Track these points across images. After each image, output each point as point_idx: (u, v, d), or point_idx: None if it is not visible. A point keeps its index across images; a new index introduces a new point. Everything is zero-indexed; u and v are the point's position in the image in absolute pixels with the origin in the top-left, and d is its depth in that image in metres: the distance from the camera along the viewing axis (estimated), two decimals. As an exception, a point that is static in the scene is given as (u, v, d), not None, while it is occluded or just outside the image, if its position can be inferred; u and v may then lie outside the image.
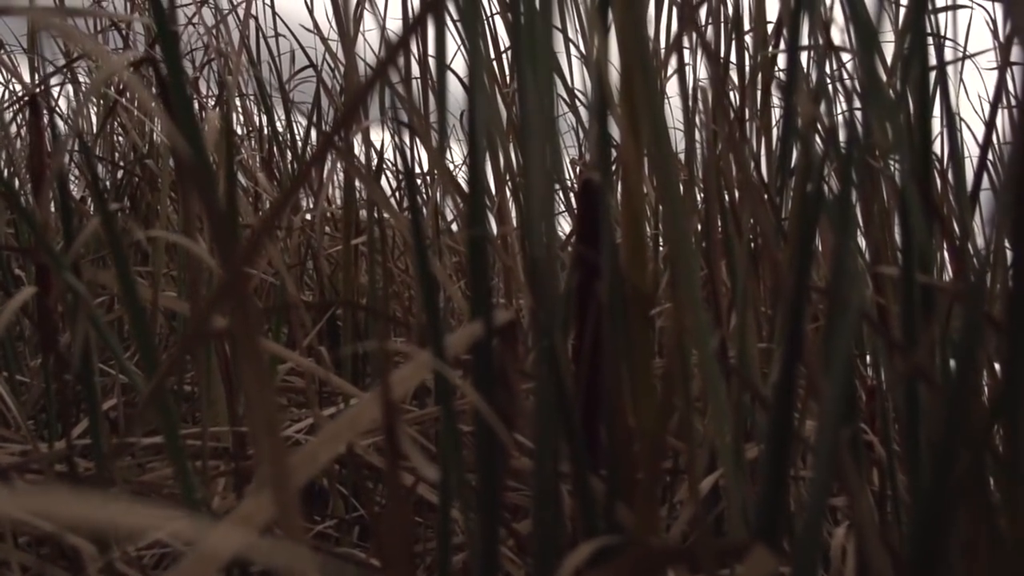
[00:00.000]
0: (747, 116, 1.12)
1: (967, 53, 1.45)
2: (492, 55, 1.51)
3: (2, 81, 2.15)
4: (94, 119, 2.02)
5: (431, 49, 1.35)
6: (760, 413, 0.83)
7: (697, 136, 1.13)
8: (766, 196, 0.96)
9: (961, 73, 1.74)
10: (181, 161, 0.46)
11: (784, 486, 0.50)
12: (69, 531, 0.59)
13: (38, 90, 1.03)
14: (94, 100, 2.02)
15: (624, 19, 0.46)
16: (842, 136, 0.52)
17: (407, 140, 1.17)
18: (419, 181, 1.70)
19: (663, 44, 1.14)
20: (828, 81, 0.84)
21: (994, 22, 1.54)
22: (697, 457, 0.81)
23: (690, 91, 1.01)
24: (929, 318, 0.51)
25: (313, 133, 1.77)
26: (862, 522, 0.44)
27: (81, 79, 2.03)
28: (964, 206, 0.59)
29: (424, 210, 1.28)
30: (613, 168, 0.62)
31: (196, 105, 2.09)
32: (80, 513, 0.24)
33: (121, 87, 1.87)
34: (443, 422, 0.44)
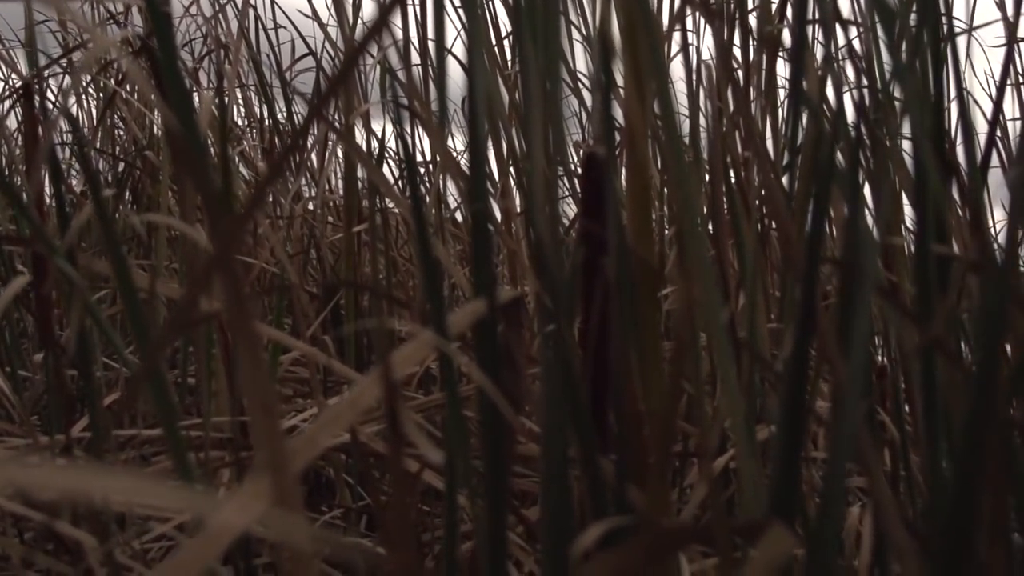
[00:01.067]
0: (752, 95, 1.11)
1: (972, 26, 1.44)
2: (494, 40, 1.50)
3: (1, 76, 2.14)
4: (93, 111, 2.01)
5: (431, 33, 1.33)
6: (772, 393, 0.81)
7: (701, 118, 1.12)
8: (774, 174, 0.95)
9: (968, 50, 1.72)
10: (175, 142, 0.45)
11: (798, 466, 0.49)
12: (67, 506, 0.58)
13: (36, 81, 1.02)
14: (92, 92, 2.01)
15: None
16: (850, 110, 0.51)
17: (407, 124, 1.16)
18: (422, 168, 1.69)
19: (665, 19, 1.12)
20: (835, 55, 0.82)
21: (1001, -3, 1.52)
22: (708, 438, 0.79)
23: (694, 68, 1.00)
24: (945, 290, 0.49)
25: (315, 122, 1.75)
26: (881, 501, 0.42)
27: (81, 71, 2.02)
28: (976, 177, 0.58)
29: (427, 197, 1.27)
30: (617, 146, 0.60)
31: (195, 96, 2.08)
32: (73, 484, 0.23)
33: (120, 78, 1.86)
34: (447, 405, 0.43)
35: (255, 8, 1.97)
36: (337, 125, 1.22)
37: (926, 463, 0.57)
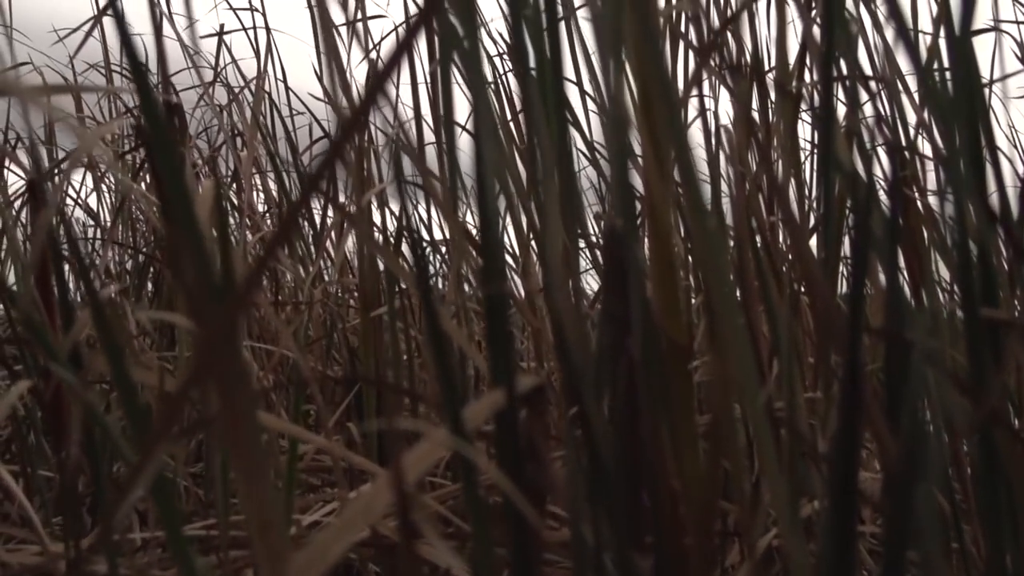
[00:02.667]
0: (774, 156, 1.08)
1: (995, 78, 1.41)
2: (509, 116, 1.48)
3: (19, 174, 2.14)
4: (107, 205, 2.01)
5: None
6: (814, 468, 0.77)
7: (723, 182, 1.09)
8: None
9: (989, 101, 1.70)
10: (171, 238, 0.43)
11: (852, 547, 0.45)
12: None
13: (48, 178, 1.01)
14: (112, 187, 2.01)
15: (641, 48, 0.42)
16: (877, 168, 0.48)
17: (421, 203, 1.14)
18: (442, 246, 1.66)
19: (681, 83, 1.10)
20: (860, 112, 0.79)
21: (1022, 48, 1.49)
22: (750, 518, 0.76)
23: (712, 131, 0.97)
24: (999, 357, 0.46)
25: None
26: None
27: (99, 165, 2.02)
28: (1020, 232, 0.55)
29: (445, 277, 1.24)
30: (639, 216, 0.57)
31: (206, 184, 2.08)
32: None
33: (137, 170, 1.86)
34: (468, 504, 0.40)
35: (269, 94, 1.97)
36: (352, 206, 1.20)
37: (986, 537, 0.53)
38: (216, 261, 0.52)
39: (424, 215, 1.45)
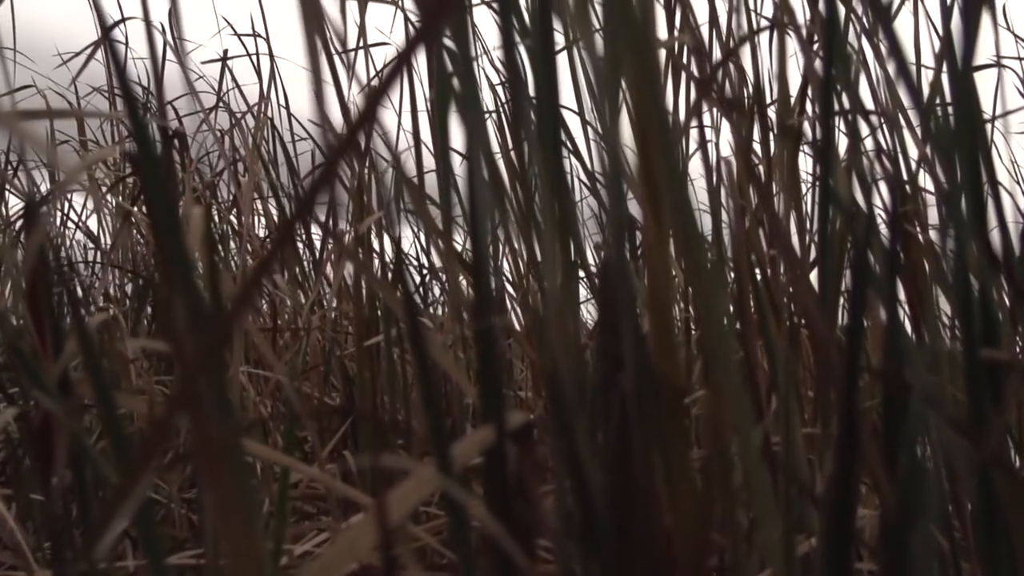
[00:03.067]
0: (775, 189, 1.08)
1: (997, 114, 1.41)
2: (511, 144, 1.48)
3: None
4: (107, 228, 2.01)
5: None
6: (809, 504, 0.76)
7: (723, 214, 1.08)
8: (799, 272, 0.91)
9: (992, 136, 1.69)
10: (161, 265, 0.42)
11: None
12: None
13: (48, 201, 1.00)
14: (111, 210, 2.00)
15: (640, 84, 0.41)
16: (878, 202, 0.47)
17: (422, 230, 1.13)
18: (443, 274, 1.66)
19: (682, 113, 1.10)
20: (862, 147, 0.79)
21: (1024, 82, 1.49)
22: (744, 556, 0.75)
23: (713, 165, 0.97)
24: (998, 398, 0.45)
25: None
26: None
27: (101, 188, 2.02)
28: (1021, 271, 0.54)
29: (442, 307, 1.24)
30: (638, 249, 0.57)
31: (215, 208, 2.08)
32: None
33: (138, 194, 1.86)
34: (454, 543, 0.39)
35: (271, 120, 1.97)
36: (350, 234, 1.20)
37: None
38: (204, 288, 0.52)
39: (424, 242, 1.45)
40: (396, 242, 1.60)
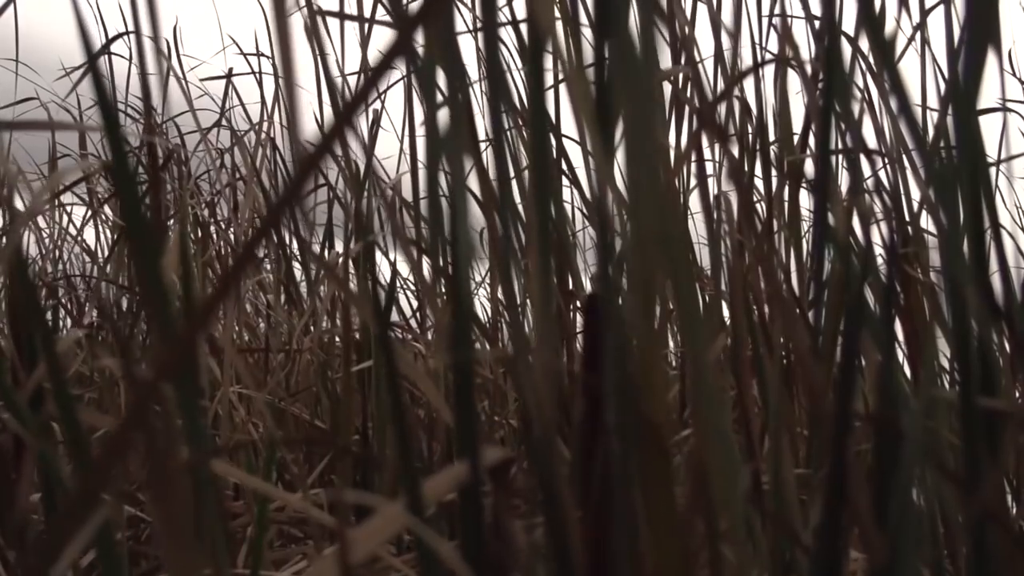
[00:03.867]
0: (775, 227, 1.06)
1: (1002, 158, 1.40)
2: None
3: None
4: (104, 240, 2.00)
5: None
6: (799, 551, 0.75)
7: (723, 248, 1.07)
8: (798, 311, 0.90)
9: (996, 181, 1.68)
10: (141, 288, 0.41)
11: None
12: None
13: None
14: (108, 223, 1.99)
15: (633, 129, 0.40)
16: (878, 243, 0.46)
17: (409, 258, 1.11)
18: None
19: (682, 145, 1.09)
20: (863, 185, 0.78)
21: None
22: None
23: (712, 200, 0.96)
24: (994, 448, 0.44)
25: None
26: None
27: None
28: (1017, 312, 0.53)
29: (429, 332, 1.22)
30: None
31: (213, 229, 2.07)
32: None
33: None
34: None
35: (273, 139, 1.96)
36: (337, 258, 1.18)
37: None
38: (177, 308, 0.50)
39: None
40: (392, 265, 1.59)
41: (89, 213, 2.07)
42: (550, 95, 1.44)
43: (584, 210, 1.28)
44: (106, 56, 1.97)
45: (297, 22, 2.19)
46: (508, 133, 0.42)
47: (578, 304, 1.08)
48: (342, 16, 1.16)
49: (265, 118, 2.00)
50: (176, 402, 0.43)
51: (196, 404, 0.43)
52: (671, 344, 1.44)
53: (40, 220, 2.16)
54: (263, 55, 2.15)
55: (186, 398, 0.42)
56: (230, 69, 2.11)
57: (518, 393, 0.37)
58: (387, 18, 1.37)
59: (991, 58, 0.57)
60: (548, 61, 0.48)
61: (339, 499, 0.31)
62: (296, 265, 1.91)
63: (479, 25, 1.32)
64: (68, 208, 2.16)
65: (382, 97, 1.75)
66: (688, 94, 1.07)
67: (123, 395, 1.29)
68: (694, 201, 1.29)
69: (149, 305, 0.46)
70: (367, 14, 1.27)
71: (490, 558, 0.38)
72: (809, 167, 1.01)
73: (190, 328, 0.29)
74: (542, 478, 0.39)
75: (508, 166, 0.39)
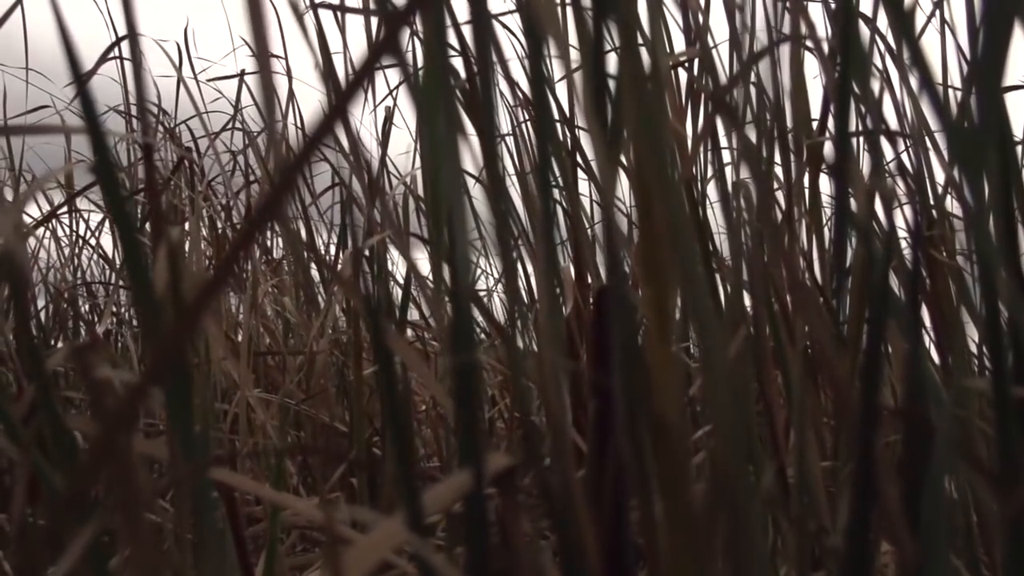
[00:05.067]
0: (796, 214, 1.04)
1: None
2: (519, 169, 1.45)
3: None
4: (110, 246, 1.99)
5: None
6: (826, 551, 0.72)
7: (742, 237, 1.04)
8: (821, 299, 0.87)
9: (1022, 160, 1.65)
10: (133, 295, 0.39)
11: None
12: None
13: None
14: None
15: (639, 122, 0.38)
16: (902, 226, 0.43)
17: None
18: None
19: (696, 132, 1.06)
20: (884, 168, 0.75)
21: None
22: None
23: (730, 189, 0.93)
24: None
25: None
26: None
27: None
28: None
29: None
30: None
31: (229, 228, 2.06)
32: None
33: (146, 217, 1.84)
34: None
35: (287, 140, 1.95)
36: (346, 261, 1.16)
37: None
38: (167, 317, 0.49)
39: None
40: (410, 263, 1.57)
41: (105, 220, 2.07)
42: (562, 87, 1.42)
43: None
44: (117, 60, 1.96)
45: (296, 18, 2.18)
46: (519, 128, 0.40)
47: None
48: (343, 9, 1.14)
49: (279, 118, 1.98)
50: (168, 408, 0.41)
51: (189, 410, 0.41)
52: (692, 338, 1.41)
53: (57, 228, 2.16)
54: (277, 56, 2.13)
55: (177, 403, 0.40)
56: (242, 70, 2.10)
57: (513, 395, 0.35)
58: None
59: (1017, 32, 0.54)
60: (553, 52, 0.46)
61: (328, 513, 0.29)
62: (313, 267, 1.90)
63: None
64: (85, 215, 2.16)
65: (394, 94, 1.73)
66: (702, 79, 1.05)
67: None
68: (711, 190, 1.26)
69: (139, 306, 0.44)
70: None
71: (495, 570, 0.36)
72: (829, 150, 0.98)
73: (178, 329, 0.27)
74: (553, 483, 0.37)
75: (499, 157, 0.37)
